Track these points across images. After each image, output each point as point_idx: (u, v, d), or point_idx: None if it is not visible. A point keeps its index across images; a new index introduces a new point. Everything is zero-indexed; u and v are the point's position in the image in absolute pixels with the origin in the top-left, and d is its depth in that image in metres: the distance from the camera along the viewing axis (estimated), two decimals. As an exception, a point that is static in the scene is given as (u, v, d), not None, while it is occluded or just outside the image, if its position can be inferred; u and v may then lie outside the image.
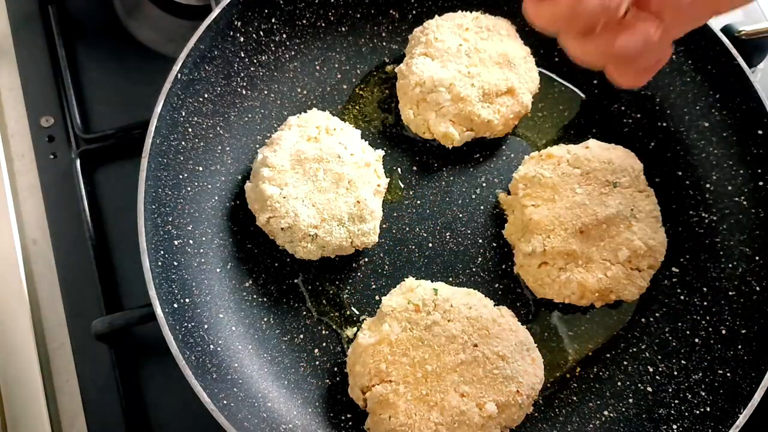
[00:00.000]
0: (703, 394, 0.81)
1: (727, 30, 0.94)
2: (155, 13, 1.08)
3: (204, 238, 0.86)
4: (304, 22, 0.95)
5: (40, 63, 1.03)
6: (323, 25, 0.97)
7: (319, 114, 0.91)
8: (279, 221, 0.83)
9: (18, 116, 1.01)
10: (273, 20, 0.92)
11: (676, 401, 0.82)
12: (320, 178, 0.85)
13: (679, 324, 0.88)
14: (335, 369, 0.85)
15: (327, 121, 0.89)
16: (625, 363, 0.86)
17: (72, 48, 1.05)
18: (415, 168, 0.96)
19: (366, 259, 0.91)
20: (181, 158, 0.85)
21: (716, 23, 0.89)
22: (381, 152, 0.91)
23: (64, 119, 0.99)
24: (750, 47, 0.97)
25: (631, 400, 0.84)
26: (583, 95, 1.01)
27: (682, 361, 0.85)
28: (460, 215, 0.93)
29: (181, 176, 0.84)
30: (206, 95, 0.87)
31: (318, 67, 0.98)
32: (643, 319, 0.89)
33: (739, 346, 0.81)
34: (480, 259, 0.91)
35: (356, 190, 0.85)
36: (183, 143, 0.85)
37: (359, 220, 0.84)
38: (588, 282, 0.82)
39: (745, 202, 0.88)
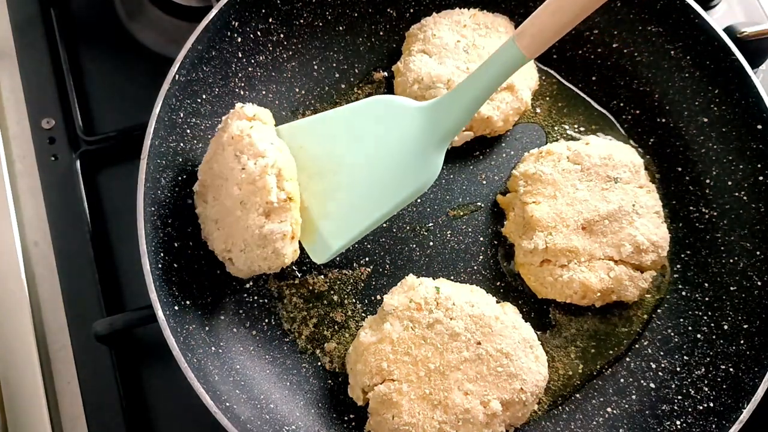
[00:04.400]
0: (706, 389, 0.81)
1: (729, 31, 0.95)
2: (156, 14, 1.08)
3: (204, 240, 0.86)
4: (302, 21, 0.95)
5: (41, 65, 1.03)
6: (321, 24, 0.97)
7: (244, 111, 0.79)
8: (208, 242, 0.80)
9: (19, 118, 1.01)
10: (270, 20, 0.92)
11: (679, 397, 0.82)
12: (223, 197, 0.76)
13: (681, 320, 0.88)
14: (337, 369, 0.85)
15: (241, 123, 0.77)
16: (627, 360, 0.86)
17: (73, 50, 1.05)
18: (414, 167, 0.96)
19: (367, 258, 0.90)
20: (180, 160, 0.84)
21: (717, 23, 0.90)
22: (273, 157, 0.75)
23: (65, 121, 0.99)
24: (752, 48, 0.97)
25: (634, 397, 0.84)
26: (581, 92, 1.01)
27: (685, 357, 0.85)
28: (461, 213, 0.93)
29: (180, 178, 0.84)
30: (204, 96, 0.87)
31: (316, 67, 0.98)
32: (645, 316, 0.89)
33: (741, 341, 0.81)
34: (481, 257, 0.91)
35: (246, 213, 0.74)
36: (182, 145, 0.85)
37: (259, 246, 0.74)
38: (591, 282, 0.82)
39: (745, 197, 0.88)
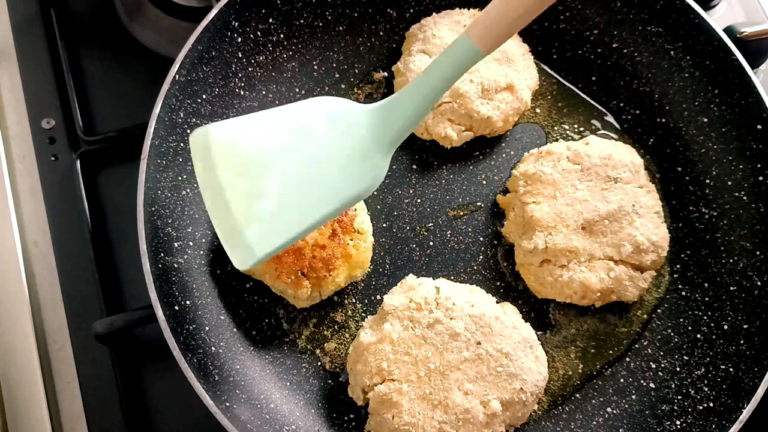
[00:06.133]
0: (706, 389, 0.81)
1: (728, 31, 0.95)
2: (156, 14, 1.08)
3: (204, 240, 0.86)
4: (302, 21, 0.95)
5: (41, 65, 1.03)
6: (321, 24, 0.97)
7: None
8: None
9: (19, 118, 1.01)
10: (270, 20, 0.92)
11: (679, 397, 0.82)
12: None
13: (681, 320, 0.88)
14: (337, 369, 0.85)
15: None
16: (627, 360, 0.86)
17: (73, 50, 1.06)
18: (415, 166, 0.96)
19: (367, 258, 0.90)
20: (180, 160, 0.84)
21: (717, 23, 0.90)
22: None
23: (66, 121, 0.99)
24: (752, 48, 0.97)
25: (634, 397, 0.84)
26: (581, 92, 1.01)
27: (685, 357, 0.85)
28: (461, 213, 0.93)
29: (180, 178, 0.84)
30: (204, 96, 0.87)
31: (316, 67, 0.98)
32: (644, 316, 0.89)
33: (741, 341, 0.81)
34: (481, 257, 0.91)
35: None
36: (182, 144, 0.85)
37: None
38: (591, 282, 0.82)
39: (745, 197, 0.88)
